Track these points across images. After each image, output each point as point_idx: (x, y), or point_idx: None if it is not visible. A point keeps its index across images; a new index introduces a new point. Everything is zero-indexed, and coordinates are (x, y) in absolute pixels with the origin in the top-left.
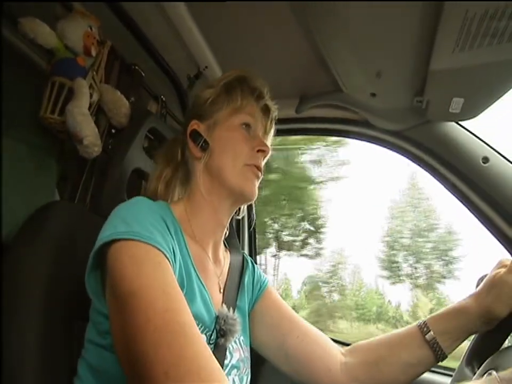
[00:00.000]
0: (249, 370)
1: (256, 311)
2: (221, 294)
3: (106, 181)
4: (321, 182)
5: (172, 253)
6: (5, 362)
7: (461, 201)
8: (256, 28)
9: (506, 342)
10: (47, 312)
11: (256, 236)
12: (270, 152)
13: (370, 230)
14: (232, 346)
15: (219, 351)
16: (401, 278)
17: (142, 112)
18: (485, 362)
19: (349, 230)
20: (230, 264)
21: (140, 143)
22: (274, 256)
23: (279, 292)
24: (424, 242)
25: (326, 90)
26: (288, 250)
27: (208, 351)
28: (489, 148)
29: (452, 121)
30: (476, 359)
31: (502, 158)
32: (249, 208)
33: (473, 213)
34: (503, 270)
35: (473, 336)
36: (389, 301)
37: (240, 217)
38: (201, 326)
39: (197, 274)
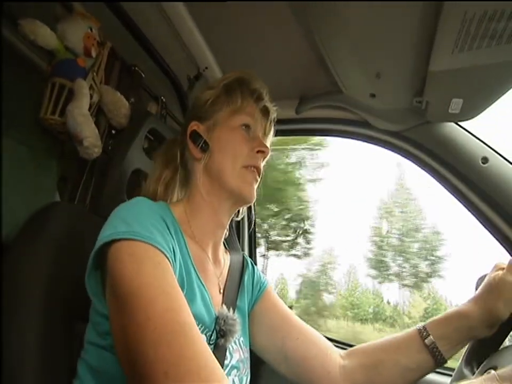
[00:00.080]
0: (248, 370)
1: (256, 312)
2: (221, 295)
3: (106, 182)
4: (307, 181)
5: (172, 253)
6: (5, 362)
7: (460, 202)
8: (256, 28)
9: (506, 341)
10: (47, 312)
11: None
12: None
13: (359, 229)
14: (232, 346)
15: (219, 352)
16: (389, 277)
17: (142, 113)
18: (484, 362)
19: (338, 230)
20: (230, 264)
21: (139, 143)
22: (263, 256)
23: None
24: (411, 242)
25: (325, 91)
26: (277, 250)
27: (208, 351)
28: (489, 148)
29: (451, 121)
30: (475, 359)
31: (501, 158)
32: (249, 209)
33: (472, 213)
34: (501, 272)
35: None
36: (387, 301)
37: (239, 218)
38: (201, 326)
39: (197, 274)
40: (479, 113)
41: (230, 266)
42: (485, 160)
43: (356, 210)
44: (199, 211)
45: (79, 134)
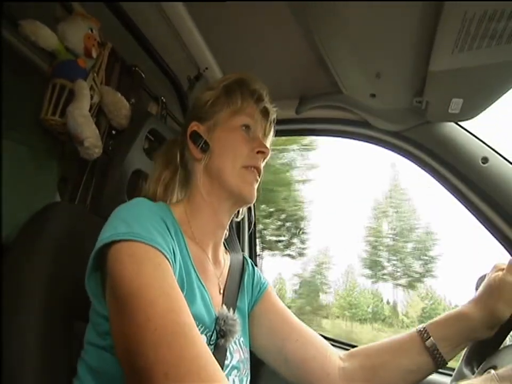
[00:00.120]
0: (249, 371)
1: (256, 313)
2: (221, 295)
3: (106, 182)
4: (299, 182)
5: (172, 254)
6: (5, 362)
7: (460, 202)
8: (256, 28)
9: (507, 341)
10: (47, 312)
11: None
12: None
13: (353, 230)
14: (232, 347)
15: (219, 352)
16: (383, 276)
17: (142, 113)
18: (484, 362)
19: (332, 230)
20: (230, 265)
21: (140, 144)
22: (258, 255)
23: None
24: (405, 242)
25: (325, 91)
26: (271, 250)
27: (208, 352)
28: (489, 148)
29: (451, 121)
30: (475, 359)
31: (501, 158)
32: (249, 210)
33: (472, 213)
34: (500, 272)
35: None
36: (384, 301)
37: (239, 219)
38: (201, 327)
39: (197, 275)
40: (479, 113)
41: (230, 267)
42: (485, 160)
43: (350, 210)
44: (199, 211)
45: (80, 134)
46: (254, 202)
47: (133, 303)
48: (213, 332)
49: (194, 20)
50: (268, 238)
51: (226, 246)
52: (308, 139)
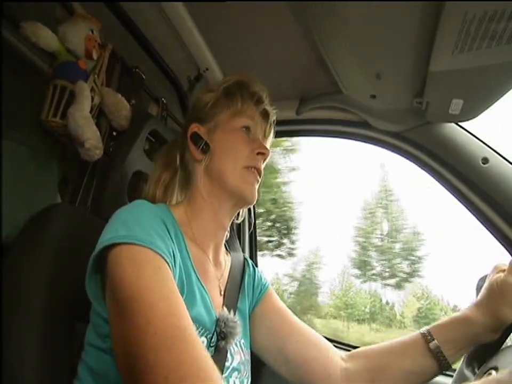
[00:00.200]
0: (249, 373)
1: (256, 314)
2: (222, 297)
3: (107, 184)
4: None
5: (172, 257)
6: (5, 362)
7: (460, 202)
8: (255, 28)
9: (508, 341)
10: (47, 313)
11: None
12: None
13: (343, 230)
14: (233, 348)
15: (220, 354)
16: (372, 276)
17: (143, 114)
18: (485, 363)
19: (322, 231)
20: (230, 266)
21: (140, 145)
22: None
23: None
24: (393, 242)
25: (326, 92)
26: (261, 250)
27: (207, 355)
28: (489, 149)
29: (451, 122)
30: (476, 360)
31: (501, 158)
32: (249, 211)
33: (473, 214)
34: (501, 274)
35: None
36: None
37: (239, 221)
38: (201, 329)
39: (197, 277)
40: (479, 114)
41: (231, 268)
42: (485, 160)
43: (340, 210)
44: (200, 212)
45: (80, 136)
46: (254, 203)
47: (133, 306)
48: (213, 334)
49: (194, 20)
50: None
51: (227, 247)
52: (291, 141)
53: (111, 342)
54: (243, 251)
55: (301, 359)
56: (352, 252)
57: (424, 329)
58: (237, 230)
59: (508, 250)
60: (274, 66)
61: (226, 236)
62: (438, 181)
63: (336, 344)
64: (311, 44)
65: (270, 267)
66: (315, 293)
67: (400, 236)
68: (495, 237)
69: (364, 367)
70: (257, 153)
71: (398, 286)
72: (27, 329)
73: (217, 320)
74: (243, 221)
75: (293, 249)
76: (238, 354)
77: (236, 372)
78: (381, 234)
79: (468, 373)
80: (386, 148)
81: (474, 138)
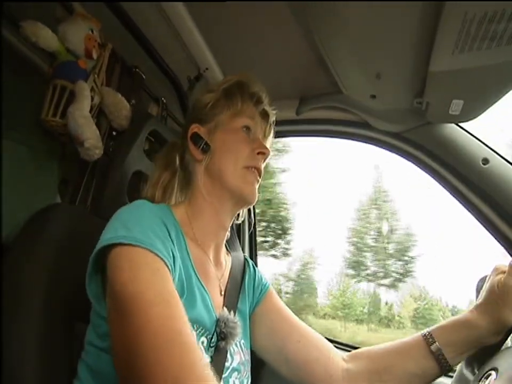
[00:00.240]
0: (249, 373)
1: (257, 314)
2: (222, 297)
3: (107, 183)
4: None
5: (172, 258)
6: (5, 362)
7: (461, 203)
8: (256, 28)
9: (508, 342)
10: (47, 312)
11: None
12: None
13: (337, 230)
14: (233, 349)
15: (220, 354)
16: (366, 276)
17: (143, 114)
18: (485, 363)
19: (316, 231)
20: (231, 266)
21: (140, 145)
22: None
23: None
24: (386, 243)
25: (326, 92)
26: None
27: (203, 358)
28: (489, 149)
29: (451, 122)
30: (476, 360)
31: (501, 159)
32: (249, 212)
33: (473, 214)
34: (501, 276)
35: None
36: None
37: (240, 221)
38: (201, 329)
39: (197, 277)
40: (479, 114)
41: (231, 268)
42: (485, 161)
43: (334, 211)
44: (201, 212)
45: (80, 135)
46: (255, 203)
47: (131, 308)
48: (213, 334)
49: (194, 20)
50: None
51: (227, 247)
52: (282, 142)
53: (110, 341)
54: (243, 251)
55: (302, 359)
56: (347, 252)
57: (425, 331)
58: (237, 230)
59: (508, 251)
60: (274, 66)
61: (227, 236)
62: (438, 182)
63: (336, 345)
64: (311, 43)
65: (264, 267)
66: (310, 292)
67: (395, 236)
68: (495, 238)
69: (366, 368)
70: (258, 153)
71: (393, 286)
72: (27, 329)
73: (218, 320)
74: (243, 221)
75: (287, 249)
76: (238, 354)
77: (236, 372)
78: (376, 235)
79: (467, 373)
80: (386, 148)
81: (474, 139)
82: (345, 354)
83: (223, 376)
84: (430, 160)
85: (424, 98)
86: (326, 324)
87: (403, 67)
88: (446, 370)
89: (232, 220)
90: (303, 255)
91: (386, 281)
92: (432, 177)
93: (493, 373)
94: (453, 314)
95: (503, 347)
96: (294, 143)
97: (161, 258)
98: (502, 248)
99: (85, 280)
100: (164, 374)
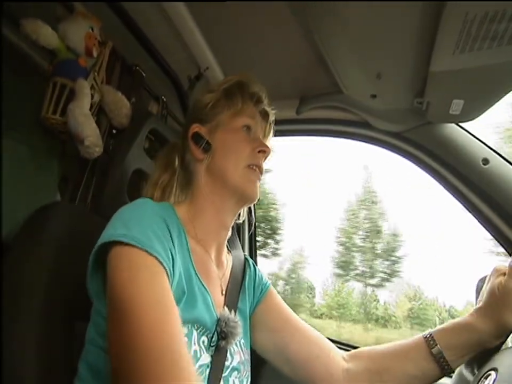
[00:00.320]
0: (249, 373)
1: (258, 314)
2: (223, 296)
3: (107, 182)
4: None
5: (171, 260)
6: (5, 362)
7: (461, 203)
8: (256, 28)
9: (509, 342)
10: (47, 312)
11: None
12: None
13: (325, 230)
14: (233, 348)
15: (220, 353)
16: (354, 276)
17: (143, 113)
18: (485, 364)
19: (305, 231)
20: (232, 266)
21: (140, 143)
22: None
23: None
24: (374, 243)
25: (326, 92)
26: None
27: (193, 367)
28: (489, 150)
29: (452, 122)
30: (475, 361)
31: (502, 159)
32: (249, 211)
33: (473, 214)
34: (501, 278)
35: None
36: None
37: (240, 221)
38: (202, 328)
39: (198, 277)
40: (480, 115)
41: (232, 268)
42: (485, 161)
43: (323, 212)
44: (202, 211)
45: (80, 133)
46: (256, 201)
47: (128, 311)
48: (213, 334)
49: (195, 20)
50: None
51: (228, 246)
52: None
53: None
54: (242, 250)
55: (303, 358)
56: (335, 252)
57: (427, 333)
58: (237, 230)
59: (508, 252)
60: (274, 66)
61: (228, 235)
62: (438, 182)
63: (336, 345)
64: (311, 43)
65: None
66: (300, 291)
67: (381, 236)
68: (496, 238)
69: (366, 368)
70: (259, 151)
71: (381, 285)
72: (27, 329)
73: (218, 320)
74: (243, 222)
75: (277, 249)
76: (238, 354)
77: (236, 372)
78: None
79: (467, 373)
80: (386, 148)
81: (474, 139)
82: (345, 353)
83: (223, 375)
84: (430, 160)
85: (425, 98)
86: (319, 322)
87: (403, 67)
88: (447, 372)
89: (234, 219)
90: (293, 255)
91: (381, 281)
92: (432, 177)
93: (493, 373)
94: (450, 314)
95: (503, 347)
96: (278, 143)
97: (160, 262)
98: (502, 248)
99: (85, 279)
100: (153, 380)
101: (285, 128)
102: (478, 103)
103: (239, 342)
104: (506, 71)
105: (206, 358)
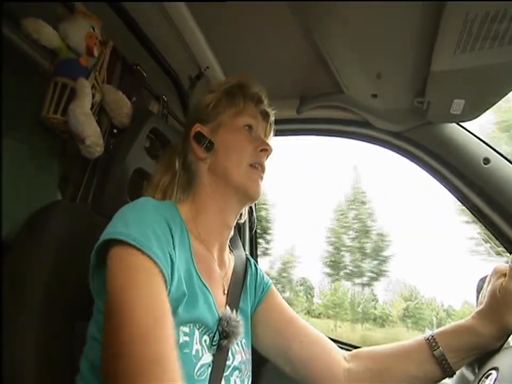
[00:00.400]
0: (250, 372)
1: (259, 314)
2: (225, 296)
3: (108, 181)
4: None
5: (169, 264)
6: (5, 362)
7: (461, 202)
8: (256, 28)
9: (510, 342)
10: (47, 312)
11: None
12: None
13: (315, 230)
14: (235, 348)
15: (221, 353)
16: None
17: (144, 112)
18: (486, 363)
19: (296, 231)
20: (234, 265)
21: (141, 143)
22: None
23: None
24: (363, 243)
25: (326, 91)
26: None
27: (180, 373)
28: (490, 149)
29: (452, 122)
30: (476, 360)
31: (502, 159)
32: (250, 211)
33: (474, 214)
34: (502, 279)
35: None
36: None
37: (242, 221)
38: (204, 328)
39: (199, 277)
40: (480, 114)
41: (234, 267)
42: (486, 161)
43: (313, 212)
44: (205, 210)
45: (81, 133)
46: (259, 199)
47: (121, 314)
48: (215, 333)
49: (195, 19)
50: None
51: (230, 246)
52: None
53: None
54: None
55: (305, 358)
56: (325, 252)
57: (428, 335)
58: (237, 230)
59: (508, 251)
60: (274, 66)
61: (231, 235)
62: (439, 181)
63: (337, 344)
64: (311, 43)
65: None
66: (291, 290)
67: (370, 236)
68: (496, 238)
69: (368, 368)
70: (261, 150)
71: (368, 284)
72: (27, 329)
73: (220, 319)
74: (244, 221)
75: (268, 249)
76: (239, 353)
77: (237, 371)
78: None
79: (468, 373)
80: (387, 148)
81: (475, 138)
82: (346, 353)
83: (225, 374)
84: (431, 159)
85: (425, 98)
86: (311, 321)
87: (404, 67)
88: (448, 374)
89: (236, 219)
90: (284, 254)
91: (369, 280)
92: (433, 176)
93: (494, 372)
94: (448, 314)
95: (504, 347)
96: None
97: (157, 264)
98: (503, 248)
99: (86, 278)
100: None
101: (286, 127)
102: (479, 102)
103: (241, 341)
104: (507, 70)
105: (207, 357)
